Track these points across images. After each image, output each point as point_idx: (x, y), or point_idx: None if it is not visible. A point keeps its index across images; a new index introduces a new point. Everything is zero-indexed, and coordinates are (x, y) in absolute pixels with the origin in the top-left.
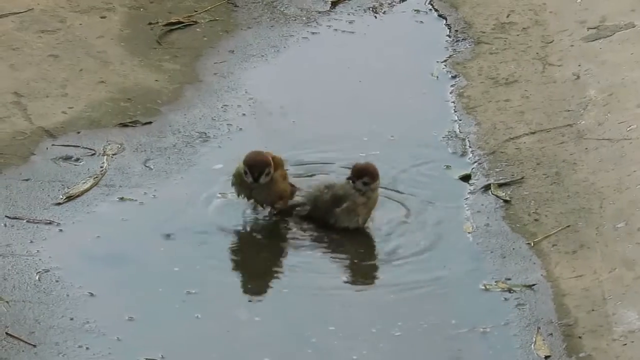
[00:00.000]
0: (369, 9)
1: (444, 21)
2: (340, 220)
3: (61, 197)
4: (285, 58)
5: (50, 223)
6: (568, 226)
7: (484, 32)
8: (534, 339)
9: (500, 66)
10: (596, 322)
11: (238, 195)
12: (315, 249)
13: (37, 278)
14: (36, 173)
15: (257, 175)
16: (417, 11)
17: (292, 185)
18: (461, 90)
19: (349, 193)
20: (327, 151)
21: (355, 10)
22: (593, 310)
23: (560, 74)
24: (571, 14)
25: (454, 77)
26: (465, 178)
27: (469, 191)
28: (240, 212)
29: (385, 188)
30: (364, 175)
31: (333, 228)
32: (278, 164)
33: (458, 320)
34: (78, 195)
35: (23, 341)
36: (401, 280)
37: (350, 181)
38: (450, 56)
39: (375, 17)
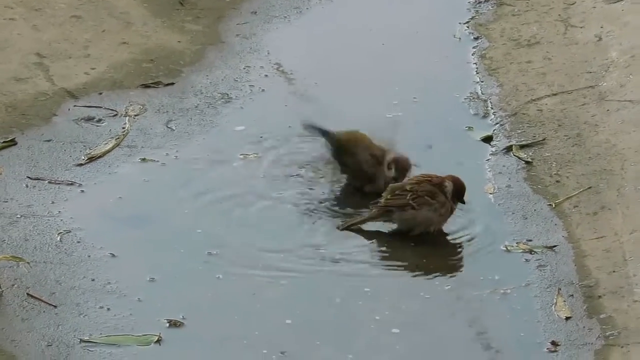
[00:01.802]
0: None
1: None
2: None
3: (83, 158)
4: (308, 19)
5: (71, 184)
6: (589, 187)
7: None
8: (555, 300)
9: (522, 28)
10: (617, 284)
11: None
12: (339, 214)
13: (58, 239)
14: (58, 134)
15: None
16: None
17: None
18: (483, 52)
19: None
20: (349, 112)
21: None
22: (614, 271)
23: (582, 35)
24: None
25: (476, 38)
26: (487, 139)
27: (490, 152)
28: (261, 173)
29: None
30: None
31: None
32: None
33: (479, 281)
34: (100, 156)
35: (44, 302)
36: (422, 242)
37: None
38: (472, 18)
39: None
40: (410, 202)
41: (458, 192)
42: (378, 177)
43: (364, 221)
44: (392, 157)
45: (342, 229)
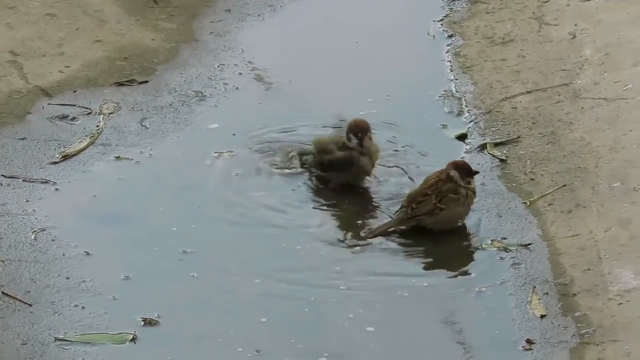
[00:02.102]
0: None
1: None
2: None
3: (57, 156)
4: (282, 17)
5: (46, 182)
6: (564, 185)
7: None
8: (530, 298)
9: (496, 25)
10: (592, 282)
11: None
12: (316, 209)
13: (33, 237)
14: (32, 132)
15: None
16: None
17: None
18: (457, 50)
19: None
20: (323, 110)
21: None
22: (589, 269)
23: (556, 33)
24: None
25: (450, 36)
26: (462, 137)
27: (465, 150)
28: (236, 172)
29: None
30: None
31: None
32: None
33: (454, 279)
34: (74, 154)
35: (19, 300)
36: (397, 240)
37: None
38: (446, 15)
39: None
40: (438, 204)
41: (465, 171)
42: (355, 160)
43: (390, 226)
44: (348, 124)
45: (370, 237)
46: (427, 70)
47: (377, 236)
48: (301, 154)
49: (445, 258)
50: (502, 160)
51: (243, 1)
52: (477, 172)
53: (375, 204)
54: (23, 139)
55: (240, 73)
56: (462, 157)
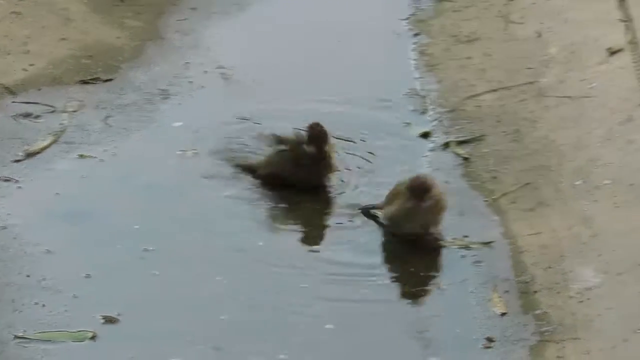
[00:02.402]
0: None
1: None
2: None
3: (20, 154)
4: (248, 16)
5: (8, 180)
6: (527, 184)
7: None
8: (491, 296)
9: (462, 24)
10: (553, 280)
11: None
12: (279, 206)
13: None
14: None
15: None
16: None
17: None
18: (423, 48)
19: None
20: (288, 109)
21: None
22: (550, 267)
23: (522, 31)
24: None
25: (416, 34)
26: (425, 135)
27: (428, 148)
28: (200, 169)
29: (346, 140)
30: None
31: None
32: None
33: (416, 277)
34: (37, 152)
35: None
36: (359, 238)
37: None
38: (412, 14)
39: None
40: None
41: (415, 193)
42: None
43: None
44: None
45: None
46: (392, 69)
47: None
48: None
49: (406, 255)
50: (465, 159)
51: None
52: (428, 197)
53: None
54: None
55: (205, 71)
56: (425, 156)
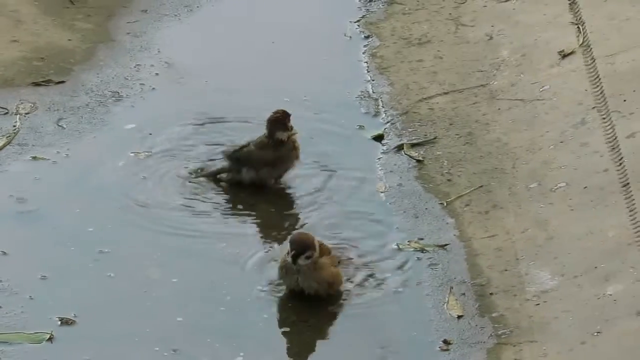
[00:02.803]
0: None
1: None
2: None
3: None
4: (199, 18)
5: None
6: (481, 186)
7: None
8: (447, 299)
9: (413, 26)
10: (509, 282)
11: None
12: (233, 211)
13: None
14: None
15: (296, 255)
16: None
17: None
18: (374, 51)
19: None
20: (240, 111)
21: None
22: (506, 270)
23: (473, 34)
24: None
25: (367, 37)
26: (378, 138)
27: (381, 151)
28: (154, 171)
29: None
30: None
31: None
32: (325, 250)
33: (371, 280)
34: None
35: None
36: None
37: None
38: (363, 16)
39: None
40: None
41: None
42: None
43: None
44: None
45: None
46: (343, 71)
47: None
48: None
49: (362, 258)
50: (419, 161)
51: (159, 1)
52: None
53: (293, 205)
54: None
55: (157, 73)
56: (378, 158)
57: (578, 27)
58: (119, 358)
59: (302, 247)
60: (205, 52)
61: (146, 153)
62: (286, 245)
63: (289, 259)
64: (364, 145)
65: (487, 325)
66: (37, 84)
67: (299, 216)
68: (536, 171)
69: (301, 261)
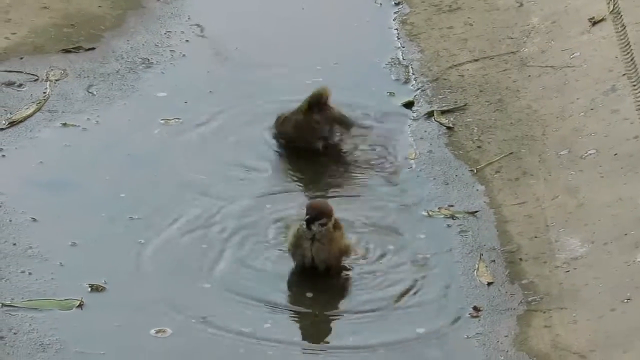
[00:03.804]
0: None
1: None
2: None
3: (4, 122)
4: None
5: None
6: (511, 153)
7: None
8: (477, 266)
9: None
10: (539, 249)
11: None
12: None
13: None
14: None
15: (311, 219)
16: None
17: None
18: (404, 17)
19: None
20: (271, 77)
21: None
22: (536, 237)
23: (503, 1)
24: None
25: (397, 4)
26: (409, 105)
27: (412, 118)
28: (183, 138)
29: None
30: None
31: None
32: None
33: (400, 247)
34: (21, 121)
35: None
36: (344, 206)
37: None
38: None
39: None
40: None
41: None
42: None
43: None
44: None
45: None
46: (374, 38)
47: None
48: None
49: (391, 225)
50: (449, 128)
51: None
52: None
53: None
54: None
55: (187, 40)
56: (409, 125)
57: None
58: (149, 325)
59: (318, 212)
60: (235, 18)
61: (176, 119)
62: (294, 222)
63: (304, 225)
64: (395, 112)
65: (517, 292)
66: (67, 51)
67: (328, 180)
68: (566, 138)
69: (315, 227)
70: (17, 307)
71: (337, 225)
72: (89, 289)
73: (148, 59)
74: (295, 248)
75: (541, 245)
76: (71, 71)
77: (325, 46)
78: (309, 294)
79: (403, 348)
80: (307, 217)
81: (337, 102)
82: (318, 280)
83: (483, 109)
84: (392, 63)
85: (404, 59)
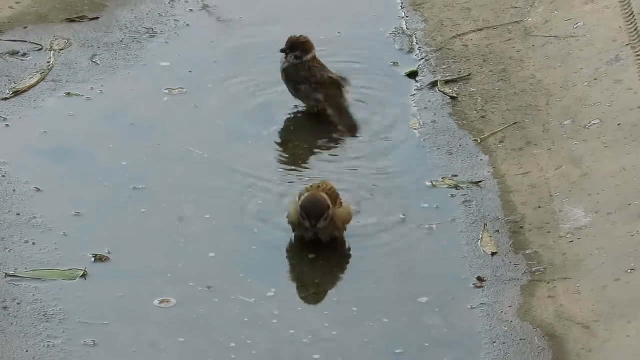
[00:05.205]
0: None
1: None
2: None
3: (8, 92)
4: None
5: None
6: (515, 123)
7: None
8: (481, 236)
9: None
10: (543, 219)
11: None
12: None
13: None
14: None
15: (314, 224)
16: None
17: None
18: None
19: None
20: (275, 47)
21: None
22: (540, 207)
23: None
24: None
25: None
26: (413, 75)
27: (415, 88)
28: (186, 108)
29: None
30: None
31: None
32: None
33: (405, 216)
34: (25, 91)
35: None
36: (346, 176)
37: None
38: None
39: None
40: None
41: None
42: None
43: None
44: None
45: None
46: (377, 8)
47: None
48: None
49: (396, 195)
50: (452, 98)
51: None
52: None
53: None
54: None
55: (191, 10)
56: (412, 95)
57: None
58: (153, 294)
59: (318, 213)
60: None
61: (180, 89)
62: (292, 198)
63: (307, 224)
64: (398, 82)
65: (521, 263)
66: (71, 20)
67: (330, 152)
68: (570, 108)
69: (320, 225)
70: (20, 277)
71: (336, 202)
72: (93, 259)
73: (152, 29)
74: (297, 229)
75: (545, 216)
76: (75, 41)
77: (329, 16)
78: (311, 256)
79: (407, 317)
80: (311, 222)
81: (339, 70)
82: (335, 249)
83: (487, 79)
84: (396, 33)
85: (408, 29)
